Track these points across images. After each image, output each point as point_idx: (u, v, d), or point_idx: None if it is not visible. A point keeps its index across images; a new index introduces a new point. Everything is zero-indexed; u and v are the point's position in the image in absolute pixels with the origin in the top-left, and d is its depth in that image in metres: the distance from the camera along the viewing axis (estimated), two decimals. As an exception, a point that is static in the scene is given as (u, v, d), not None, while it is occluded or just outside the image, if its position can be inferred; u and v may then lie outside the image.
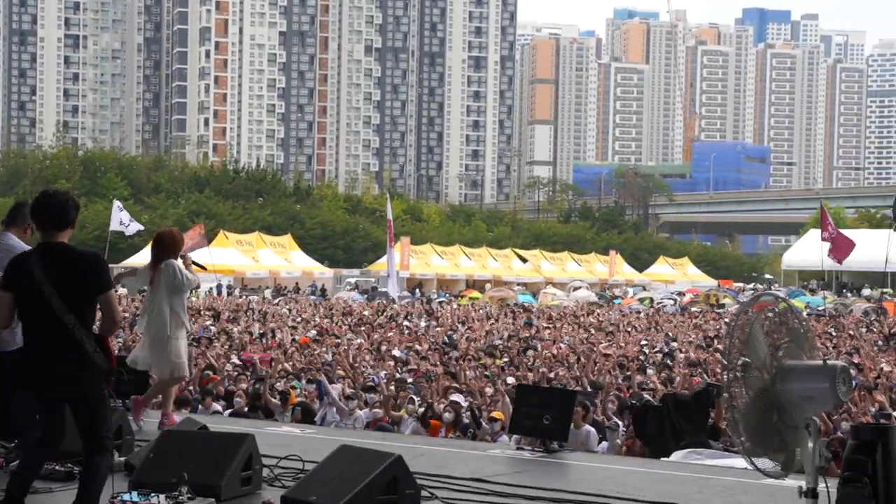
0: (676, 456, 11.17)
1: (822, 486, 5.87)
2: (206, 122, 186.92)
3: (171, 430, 8.64)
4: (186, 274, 10.60)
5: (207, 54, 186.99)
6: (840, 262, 49.30)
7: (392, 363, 19.13)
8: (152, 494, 6.89)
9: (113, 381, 6.52)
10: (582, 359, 20.17)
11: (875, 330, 31.67)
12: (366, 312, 36.56)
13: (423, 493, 7.88)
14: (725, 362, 5.95)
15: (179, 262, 10.65)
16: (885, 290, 59.59)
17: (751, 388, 5.77)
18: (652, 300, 54.86)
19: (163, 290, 10.48)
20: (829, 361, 5.70)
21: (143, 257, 62.63)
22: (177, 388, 15.61)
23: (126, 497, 6.83)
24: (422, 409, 14.26)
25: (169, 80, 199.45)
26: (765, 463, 5.80)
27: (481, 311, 39.92)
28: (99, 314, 6.57)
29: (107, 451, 6.39)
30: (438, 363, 19.11)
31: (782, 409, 5.76)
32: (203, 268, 12.12)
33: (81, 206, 64.97)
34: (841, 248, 48.91)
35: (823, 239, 49.05)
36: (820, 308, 48.30)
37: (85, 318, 6.35)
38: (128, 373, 11.74)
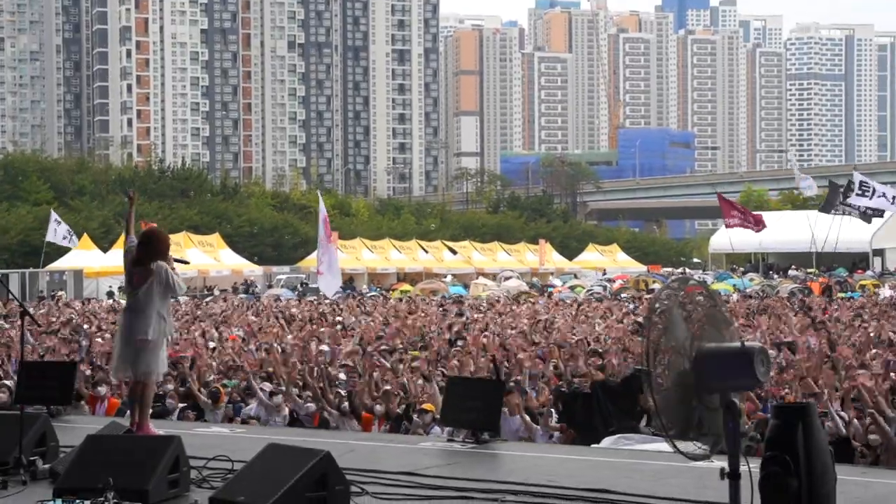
0: (606, 442, 11.25)
1: (747, 466, 5.93)
2: (130, 122, 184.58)
3: (95, 435, 8.52)
4: (178, 280, 10.35)
5: (128, 54, 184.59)
6: (759, 230, 50.56)
7: (323, 359, 18.98)
8: (77, 501, 6.77)
9: None
10: (514, 349, 20.19)
11: (799, 310, 32.09)
12: (294, 310, 36.31)
13: (354, 488, 7.85)
14: (647, 348, 5.99)
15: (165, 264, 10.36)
16: (809, 270, 60.49)
17: (672, 372, 5.82)
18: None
19: (152, 293, 10.14)
20: (746, 343, 5.76)
21: (71, 259, 62.02)
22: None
23: (50, 505, 6.72)
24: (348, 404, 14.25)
25: (90, 81, 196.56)
26: (688, 446, 5.85)
27: (413, 304, 39.87)
28: None
29: None
30: (372, 357, 19.02)
31: (704, 392, 5.82)
32: (186, 262, 11.83)
33: (3, 211, 63.40)
34: (756, 220, 50.22)
35: (731, 225, 49.98)
36: (747, 290, 48.95)
37: None
38: (49, 378, 11.57)
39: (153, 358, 10.08)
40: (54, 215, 57.81)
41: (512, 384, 14.09)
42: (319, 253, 40.75)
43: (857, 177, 49.06)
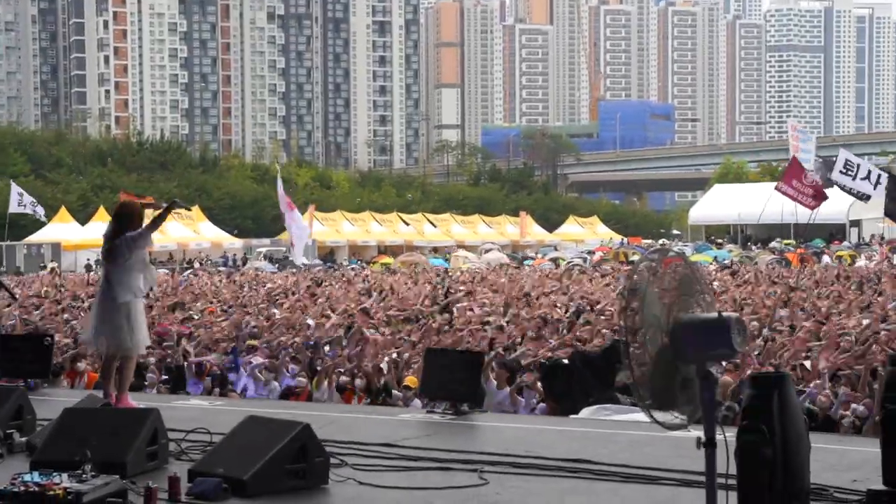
0: (585, 413, 11.29)
1: (723, 435, 5.96)
2: (108, 94, 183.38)
3: (72, 409, 8.50)
4: (140, 240, 10.23)
5: (105, 24, 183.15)
6: (815, 207, 50.77)
7: (307, 332, 18.91)
8: (54, 473, 6.74)
9: None
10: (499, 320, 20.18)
11: (778, 281, 32.21)
12: (279, 282, 36.25)
13: (333, 460, 7.86)
14: (625, 319, 6.00)
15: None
16: (788, 241, 60.77)
17: (650, 342, 5.83)
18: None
19: (133, 263, 10.08)
20: (723, 313, 5.78)
21: (49, 232, 61.79)
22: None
23: (27, 478, 6.68)
24: (338, 378, 14.23)
25: (67, 52, 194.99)
26: (665, 416, 5.87)
27: (394, 277, 39.83)
28: None
29: None
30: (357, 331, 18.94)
31: (681, 362, 5.83)
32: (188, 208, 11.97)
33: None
34: (819, 194, 50.33)
35: (787, 187, 50.07)
36: (725, 261, 49.10)
37: None
38: (26, 351, 11.52)
39: (129, 333, 10.00)
40: (16, 188, 57.80)
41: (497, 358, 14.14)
42: (286, 224, 40.39)
43: (843, 154, 49.12)
